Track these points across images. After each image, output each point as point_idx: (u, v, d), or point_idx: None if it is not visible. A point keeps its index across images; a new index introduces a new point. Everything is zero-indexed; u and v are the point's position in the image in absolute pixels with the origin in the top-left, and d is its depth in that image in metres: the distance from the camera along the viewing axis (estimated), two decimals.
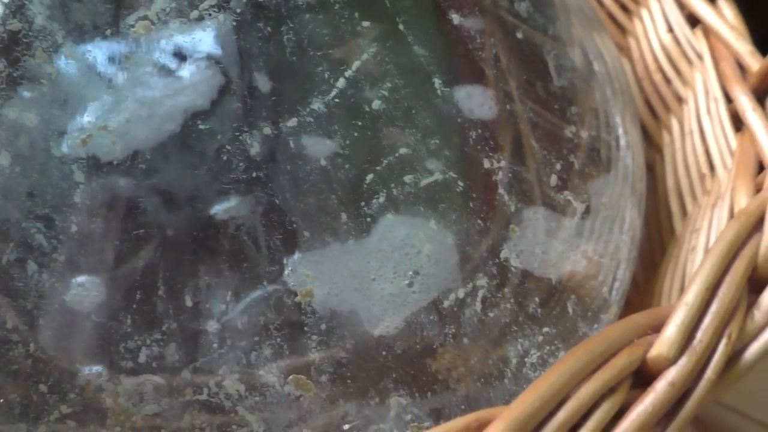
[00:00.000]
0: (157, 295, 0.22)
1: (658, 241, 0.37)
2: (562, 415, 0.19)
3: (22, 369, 0.22)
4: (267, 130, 0.22)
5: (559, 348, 0.27)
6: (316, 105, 0.22)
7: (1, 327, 0.22)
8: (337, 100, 0.22)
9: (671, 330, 0.21)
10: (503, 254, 0.25)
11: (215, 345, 0.22)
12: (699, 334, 0.20)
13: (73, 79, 0.21)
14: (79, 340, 0.22)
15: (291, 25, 0.22)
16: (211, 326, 0.22)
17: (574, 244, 0.28)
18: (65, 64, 0.21)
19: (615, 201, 0.30)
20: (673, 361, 0.20)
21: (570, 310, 0.27)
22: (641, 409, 0.19)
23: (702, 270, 0.22)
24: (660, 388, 0.20)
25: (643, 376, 0.20)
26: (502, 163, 0.25)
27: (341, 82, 0.22)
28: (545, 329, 0.26)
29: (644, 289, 0.36)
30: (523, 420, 0.19)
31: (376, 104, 0.23)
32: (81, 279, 0.21)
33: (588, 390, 0.19)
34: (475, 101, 0.25)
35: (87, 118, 0.21)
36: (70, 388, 0.22)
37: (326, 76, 0.22)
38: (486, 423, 0.19)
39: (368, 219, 0.23)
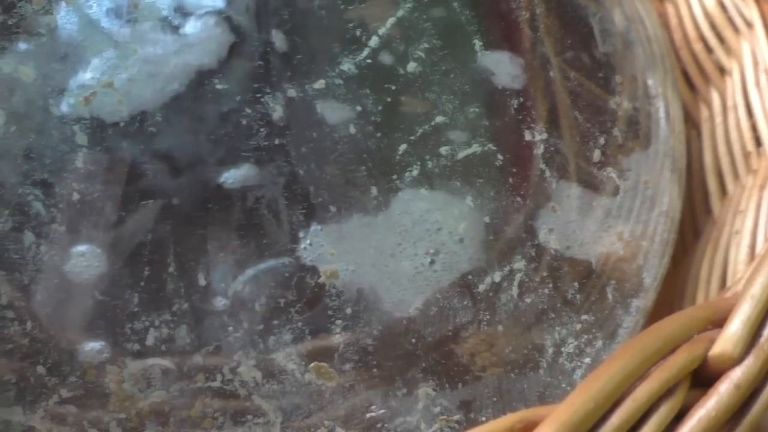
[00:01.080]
0: (167, 271, 0.20)
1: (690, 221, 0.35)
2: (616, 419, 0.17)
3: (19, 348, 0.20)
4: (291, 92, 0.19)
5: (597, 337, 0.25)
6: (346, 66, 0.20)
7: None
8: (369, 60, 0.20)
9: (736, 326, 0.19)
10: (542, 235, 0.23)
11: (230, 328, 0.20)
12: (767, 331, 0.18)
13: (75, 30, 0.19)
14: (81, 319, 0.20)
15: None
16: (226, 307, 0.20)
17: (613, 225, 0.26)
18: (66, 13, 0.19)
19: (656, 179, 0.28)
20: (738, 360, 0.18)
21: (609, 296, 0.25)
22: (703, 414, 0.17)
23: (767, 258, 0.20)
24: (723, 390, 0.18)
25: (704, 377, 0.18)
26: (544, 136, 0.23)
27: (374, 41, 0.20)
28: (583, 316, 0.24)
29: (673, 272, 0.34)
30: (574, 423, 0.17)
31: (411, 66, 0.21)
32: (82, 251, 0.19)
33: (644, 391, 0.17)
34: (516, 67, 0.23)
35: (90, 74, 0.19)
36: (70, 371, 0.20)
37: (357, 33, 0.20)
38: (532, 425, 0.17)
39: (400, 194, 0.21)
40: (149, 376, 0.20)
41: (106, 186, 0.19)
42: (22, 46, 0.19)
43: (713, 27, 0.34)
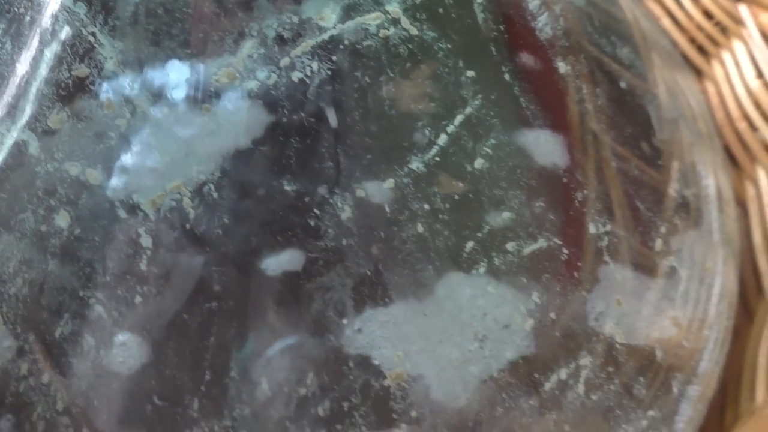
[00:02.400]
0: (230, 376, 0.19)
1: (741, 303, 0.34)
2: None
3: None
4: (360, 193, 0.19)
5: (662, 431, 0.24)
6: (415, 164, 0.19)
7: (50, 408, 0.19)
8: (437, 158, 0.20)
9: None
10: (608, 329, 0.22)
11: None
12: None
13: (143, 131, 0.19)
14: (138, 426, 0.19)
15: (391, 75, 0.19)
16: (289, 412, 0.19)
17: (675, 314, 0.25)
18: (135, 115, 0.19)
19: (713, 263, 0.28)
20: None
21: (674, 389, 0.24)
22: None
23: None
24: None
25: None
26: (608, 227, 0.23)
27: (442, 139, 0.20)
28: (650, 412, 0.23)
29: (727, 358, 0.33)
30: None
31: (479, 163, 0.20)
32: (144, 358, 0.19)
33: None
34: (577, 159, 0.23)
35: (158, 177, 0.18)
36: None
37: (426, 132, 0.19)
38: None
39: (468, 294, 0.20)
40: None
41: (171, 292, 0.19)
42: (92, 148, 0.18)
43: (758, 106, 0.34)
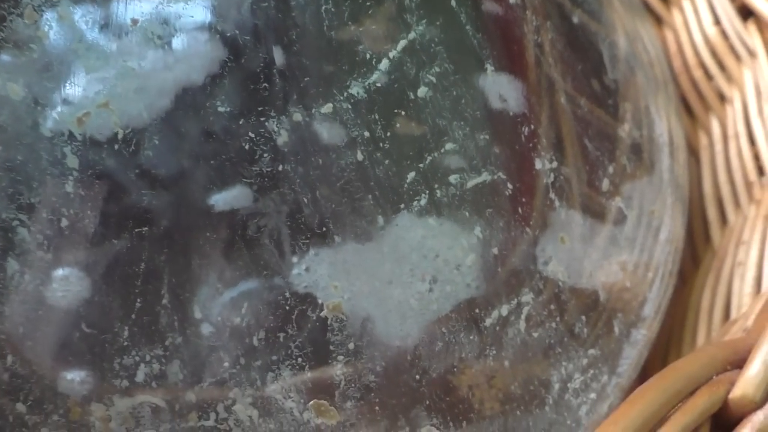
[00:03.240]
0: (160, 303, 0.18)
1: (688, 250, 0.34)
2: None
3: None
4: (297, 117, 0.18)
5: (603, 371, 0.24)
6: (355, 89, 0.19)
7: None
8: (378, 84, 0.19)
9: (756, 367, 0.18)
10: (551, 266, 0.22)
11: (226, 363, 0.19)
12: None
13: (69, 45, 0.18)
14: (65, 353, 0.19)
15: None
16: (222, 341, 0.19)
17: (618, 256, 0.25)
18: (59, 27, 0.18)
19: (660, 207, 0.28)
20: (760, 404, 0.17)
21: (616, 329, 0.24)
22: None
23: None
24: None
25: (724, 420, 0.18)
26: (554, 164, 0.22)
27: (384, 64, 0.19)
28: (590, 351, 0.23)
29: (671, 301, 0.34)
30: None
31: (422, 91, 0.20)
32: (68, 281, 0.18)
33: None
34: (526, 93, 0.22)
35: (84, 93, 0.18)
36: (53, 409, 0.19)
37: (368, 56, 0.19)
38: None
39: (407, 224, 0.20)
40: (138, 415, 0.19)
41: (96, 212, 0.18)
42: (11, 60, 0.17)
43: (714, 54, 0.34)
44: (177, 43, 0.18)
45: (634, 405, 0.17)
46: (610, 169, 0.24)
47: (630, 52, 0.29)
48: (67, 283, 0.18)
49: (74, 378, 0.19)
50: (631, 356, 0.26)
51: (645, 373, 0.26)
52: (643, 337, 0.26)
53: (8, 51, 0.18)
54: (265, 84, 0.18)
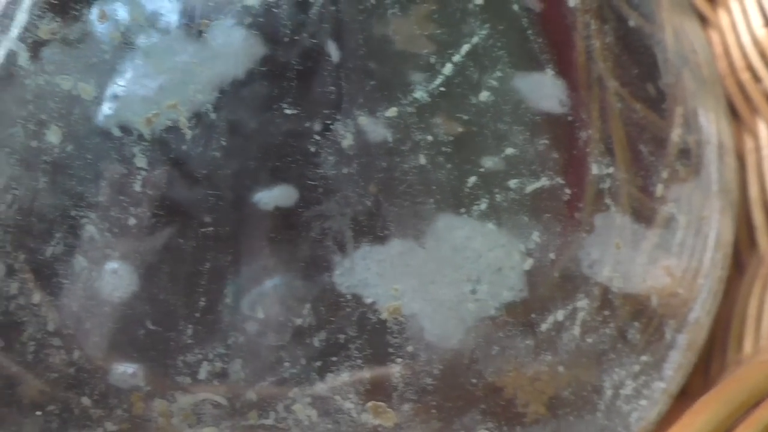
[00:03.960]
0: (224, 303, 0.19)
1: (734, 256, 0.34)
2: None
3: (64, 378, 0.19)
4: (362, 120, 0.18)
5: (653, 378, 0.24)
6: (419, 93, 0.19)
7: (41, 329, 0.19)
8: (442, 89, 0.19)
9: None
10: (606, 272, 0.22)
11: (286, 363, 0.19)
12: None
13: (140, 45, 0.18)
14: (130, 349, 0.19)
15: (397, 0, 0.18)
16: (283, 341, 0.19)
17: (669, 261, 0.25)
18: (131, 28, 0.18)
19: (710, 213, 0.27)
20: None
21: (667, 335, 0.24)
22: None
23: None
24: None
25: None
26: (610, 169, 0.22)
27: (447, 68, 0.19)
28: (642, 357, 0.23)
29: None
30: None
31: (484, 95, 0.20)
32: (137, 282, 0.18)
33: None
34: (584, 97, 0.22)
35: (153, 93, 0.18)
36: (117, 403, 0.19)
37: (432, 61, 0.19)
38: None
39: (467, 228, 0.20)
40: (199, 412, 0.19)
41: (164, 213, 0.18)
42: (83, 61, 0.18)
43: (763, 56, 0.34)
44: (246, 45, 0.18)
45: (698, 415, 0.17)
46: (664, 174, 0.24)
47: (680, 54, 0.29)
48: (132, 281, 0.19)
49: (138, 374, 0.19)
50: (679, 362, 0.26)
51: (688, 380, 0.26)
52: (691, 343, 0.26)
53: (80, 51, 0.18)
54: (332, 87, 0.18)
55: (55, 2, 0.18)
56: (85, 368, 0.19)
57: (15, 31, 0.18)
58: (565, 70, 0.21)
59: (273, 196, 0.18)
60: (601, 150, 0.22)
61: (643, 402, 0.24)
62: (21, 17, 0.18)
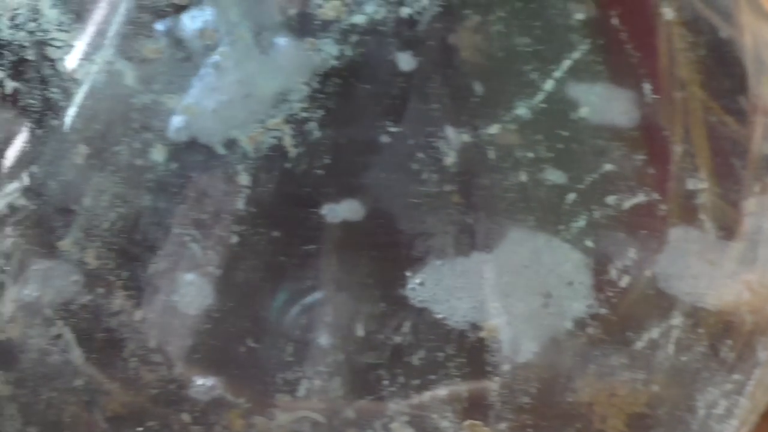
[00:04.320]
0: (324, 321, 0.19)
1: None
2: None
3: (164, 394, 0.19)
4: (465, 137, 0.18)
5: (744, 396, 0.24)
6: (521, 110, 0.19)
7: (142, 345, 0.19)
8: (543, 105, 0.19)
9: None
10: (700, 288, 0.22)
11: (385, 381, 0.19)
12: None
13: (245, 62, 0.18)
14: (231, 367, 0.19)
15: (501, 15, 0.18)
16: (383, 359, 0.19)
17: (761, 277, 0.24)
18: (236, 46, 0.18)
19: None
20: None
21: (758, 353, 0.24)
22: None
23: None
24: None
25: None
26: (704, 184, 0.22)
27: (549, 84, 0.19)
28: (734, 375, 0.23)
29: None
30: None
31: (584, 111, 0.19)
32: (239, 301, 0.18)
33: None
34: (679, 111, 0.22)
35: (258, 111, 0.18)
36: (216, 420, 0.19)
37: (533, 77, 0.19)
38: None
39: (565, 246, 0.19)
40: (298, 429, 0.19)
41: (267, 232, 0.18)
42: (196, 80, 0.18)
43: None
44: (351, 63, 0.18)
45: None
46: (756, 188, 0.24)
47: (761, 62, 0.28)
48: (234, 299, 0.19)
49: (237, 391, 0.19)
50: (760, 377, 0.25)
51: None
52: None
53: (184, 70, 0.18)
54: (436, 105, 0.18)
55: (156, 21, 0.18)
56: (184, 385, 0.19)
57: (118, 48, 0.18)
58: (660, 84, 0.21)
59: (377, 216, 0.18)
60: (694, 164, 0.22)
61: (734, 422, 0.23)
62: (123, 35, 0.18)
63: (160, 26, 0.18)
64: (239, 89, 0.18)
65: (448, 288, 0.19)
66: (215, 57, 0.18)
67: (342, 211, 0.19)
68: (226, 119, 0.18)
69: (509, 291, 0.19)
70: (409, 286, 0.19)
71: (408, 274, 0.19)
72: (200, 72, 0.18)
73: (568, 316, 0.20)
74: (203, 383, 0.19)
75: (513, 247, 0.19)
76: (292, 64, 0.18)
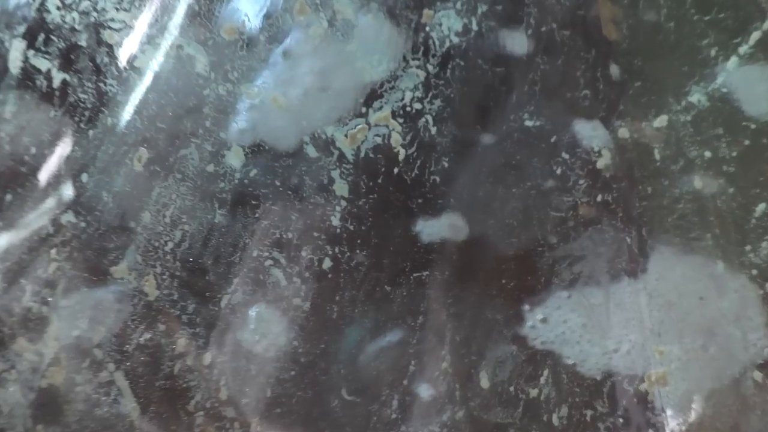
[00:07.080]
0: (440, 368, 0.15)
1: None
2: None
3: None
4: (623, 132, 0.14)
5: None
6: (696, 96, 0.14)
7: (211, 396, 0.15)
8: (723, 89, 0.14)
9: None
10: None
11: None
12: None
13: (340, 59, 0.14)
14: (322, 426, 0.15)
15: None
16: (514, 419, 0.15)
17: None
18: (335, 24, 0.14)
19: None
20: None
21: None
22: None
23: None
24: None
25: None
26: None
27: (732, 63, 0.15)
28: None
29: None
30: None
31: None
32: (331, 341, 0.15)
33: None
34: None
35: (358, 105, 0.14)
36: None
37: (712, 53, 0.14)
38: None
39: (745, 278, 0.15)
40: None
41: (364, 250, 0.14)
42: (274, 66, 0.14)
43: None
44: (478, 39, 0.14)
45: None
46: None
47: None
48: (328, 340, 0.15)
49: None
50: None
51: None
52: None
53: (272, 54, 0.14)
54: (586, 92, 0.14)
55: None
56: None
57: (188, 30, 0.15)
58: None
59: (509, 235, 0.14)
60: None
61: None
62: (191, 15, 0.15)
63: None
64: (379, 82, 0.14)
65: (634, 331, 0.15)
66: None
67: (460, 226, 0.15)
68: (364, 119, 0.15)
69: (677, 330, 0.15)
70: (528, 323, 0.15)
71: (526, 308, 0.14)
72: (272, 61, 0.15)
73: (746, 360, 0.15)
74: None
75: (723, 278, 0.15)
76: (394, 45, 0.14)
